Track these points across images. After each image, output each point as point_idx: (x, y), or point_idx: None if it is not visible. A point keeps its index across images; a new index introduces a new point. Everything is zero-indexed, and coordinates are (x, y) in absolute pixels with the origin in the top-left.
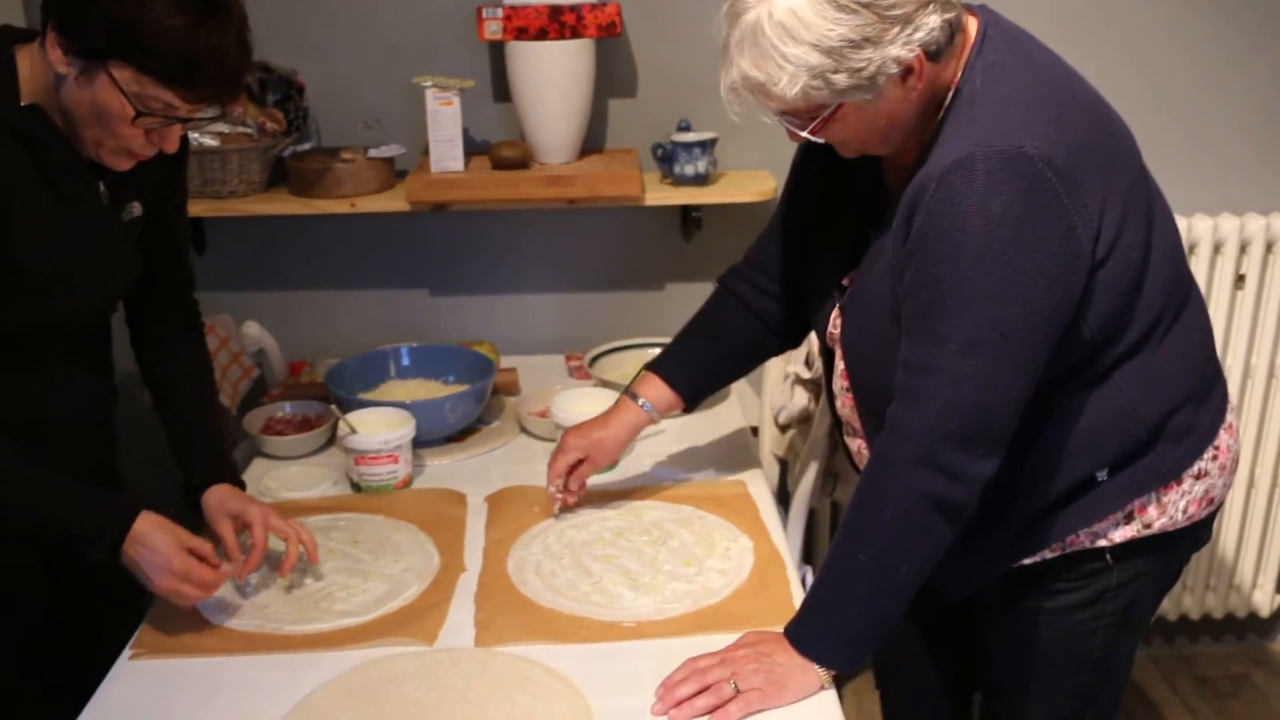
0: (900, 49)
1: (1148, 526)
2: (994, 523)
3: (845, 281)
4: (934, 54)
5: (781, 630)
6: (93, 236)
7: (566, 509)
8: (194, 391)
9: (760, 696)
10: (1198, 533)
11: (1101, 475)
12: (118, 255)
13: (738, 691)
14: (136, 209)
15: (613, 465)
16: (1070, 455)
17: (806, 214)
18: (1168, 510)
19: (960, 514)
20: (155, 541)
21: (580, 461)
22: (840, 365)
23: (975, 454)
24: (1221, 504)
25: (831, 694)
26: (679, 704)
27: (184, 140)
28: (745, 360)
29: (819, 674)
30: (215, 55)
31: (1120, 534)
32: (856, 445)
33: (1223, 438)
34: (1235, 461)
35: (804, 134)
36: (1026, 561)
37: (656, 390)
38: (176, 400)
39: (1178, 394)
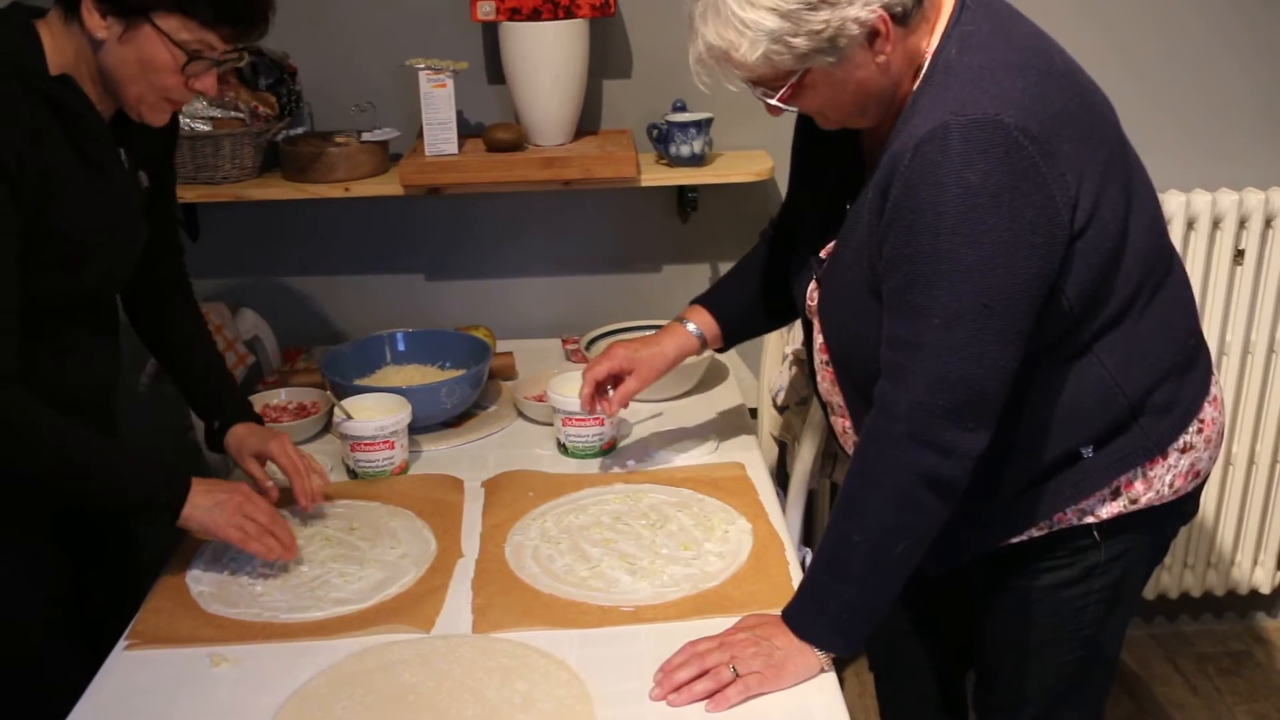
0: (859, 9)
1: (1134, 502)
2: (980, 500)
3: (823, 254)
4: (900, 17)
5: (779, 613)
6: (119, 202)
7: (606, 413)
8: (201, 346)
9: (759, 680)
10: (1184, 506)
11: (1087, 451)
12: (138, 221)
13: (737, 675)
14: (144, 179)
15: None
16: (1053, 431)
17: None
18: (1154, 485)
19: (953, 490)
20: (210, 510)
21: (622, 377)
22: (819, 339)
23: (965, 428)
24: (1207, 477)
25: (831, 676)
26: (678, 688)
27: (174, 115)
28: (780, 312)
29: (819, 656)
30: None
31: (1107, 510)
32: (841, 425)
33: (1207, 411)
34: (1221, 434)
35: (775, 102)
36: (1014, 540)
37: (703, 319)
38: (187, 356)
39: (1159, 367)
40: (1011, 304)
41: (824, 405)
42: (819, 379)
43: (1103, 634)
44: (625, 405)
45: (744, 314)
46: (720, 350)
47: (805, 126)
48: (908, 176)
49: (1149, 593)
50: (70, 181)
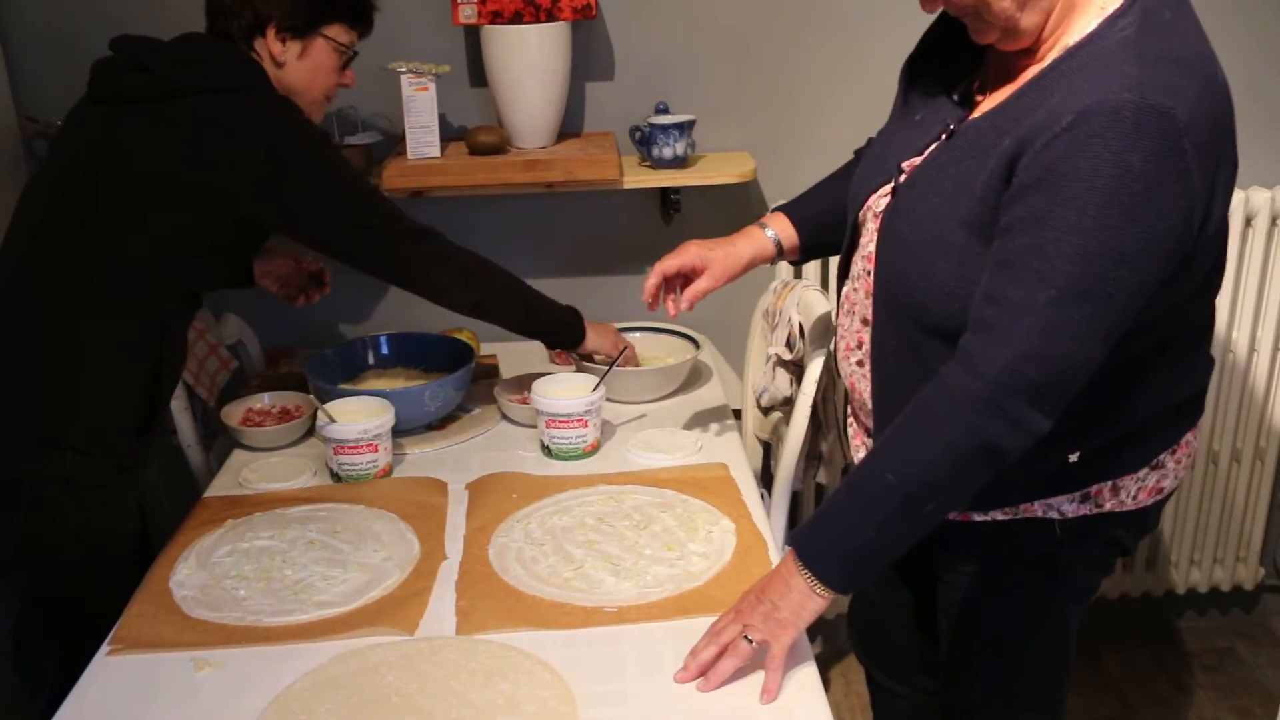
0: None
1: (1099, 507)
2: None
3: (906, 165)
4: None
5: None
6: None
7: (666, 310)
8: None
9: (781, 648)
10: (1143, 519)
11: (1074, 457)
12: None
13: (750, 643)
14: None
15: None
16: (1052, 434)
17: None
18: (1119, 494)
19: (1002, 464)
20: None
21: (693, 276)
22: (869, 247)
23: (1041, 409)
24: (1170, 494)
25: (815, 676)
26: (704, 670)
27: None
28: None
29: (817, 594)
30: None
31: (1073, 510)
32: (857, 338)
33: (1187, 437)
34: (1191, 459)
35: None
36: (977, 519)
37: (783, 226)
38: None
39: (1169, 402)
40: (1129, 300)
41: (836, 314)
42: (852, 287)
43: (1064, 633)
44: (693, 305)
45: (828, 227)
46: (795, 263)
47: (932, 38)
48: (1066, 142)
49: (1133, 590)
50: None
